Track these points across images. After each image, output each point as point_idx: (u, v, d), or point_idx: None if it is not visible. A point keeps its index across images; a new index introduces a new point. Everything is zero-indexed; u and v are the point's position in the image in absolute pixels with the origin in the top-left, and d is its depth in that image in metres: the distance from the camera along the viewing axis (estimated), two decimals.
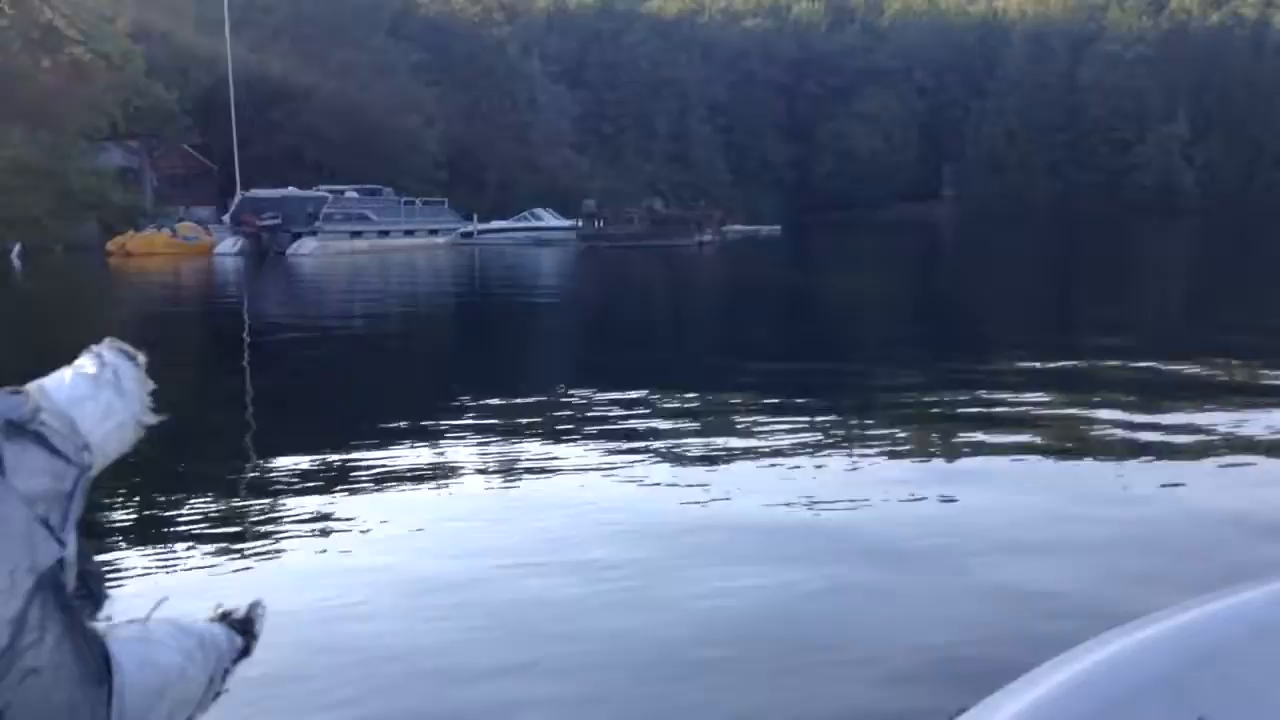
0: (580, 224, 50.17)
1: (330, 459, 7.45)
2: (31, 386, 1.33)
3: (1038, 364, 12.08)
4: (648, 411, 9.17)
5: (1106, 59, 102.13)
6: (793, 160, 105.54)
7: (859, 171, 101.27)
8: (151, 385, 1.43)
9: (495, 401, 9.91)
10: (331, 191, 45.03)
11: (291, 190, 44.91)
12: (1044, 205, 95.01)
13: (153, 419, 1.42)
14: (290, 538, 5.70)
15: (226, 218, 43.46)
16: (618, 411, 9.15)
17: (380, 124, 73.45)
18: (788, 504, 6.08)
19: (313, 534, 5.75)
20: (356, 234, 44.62)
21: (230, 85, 48.38)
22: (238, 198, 43.16)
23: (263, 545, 5.57)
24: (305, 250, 40.43)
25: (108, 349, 1.44)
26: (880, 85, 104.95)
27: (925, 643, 4.09)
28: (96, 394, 1.37)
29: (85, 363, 1.41)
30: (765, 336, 16.77)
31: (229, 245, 40.86)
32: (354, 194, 47.36)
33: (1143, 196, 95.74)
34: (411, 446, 7.87)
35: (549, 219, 55.87)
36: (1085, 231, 58.82)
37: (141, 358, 1.45)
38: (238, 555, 5.39)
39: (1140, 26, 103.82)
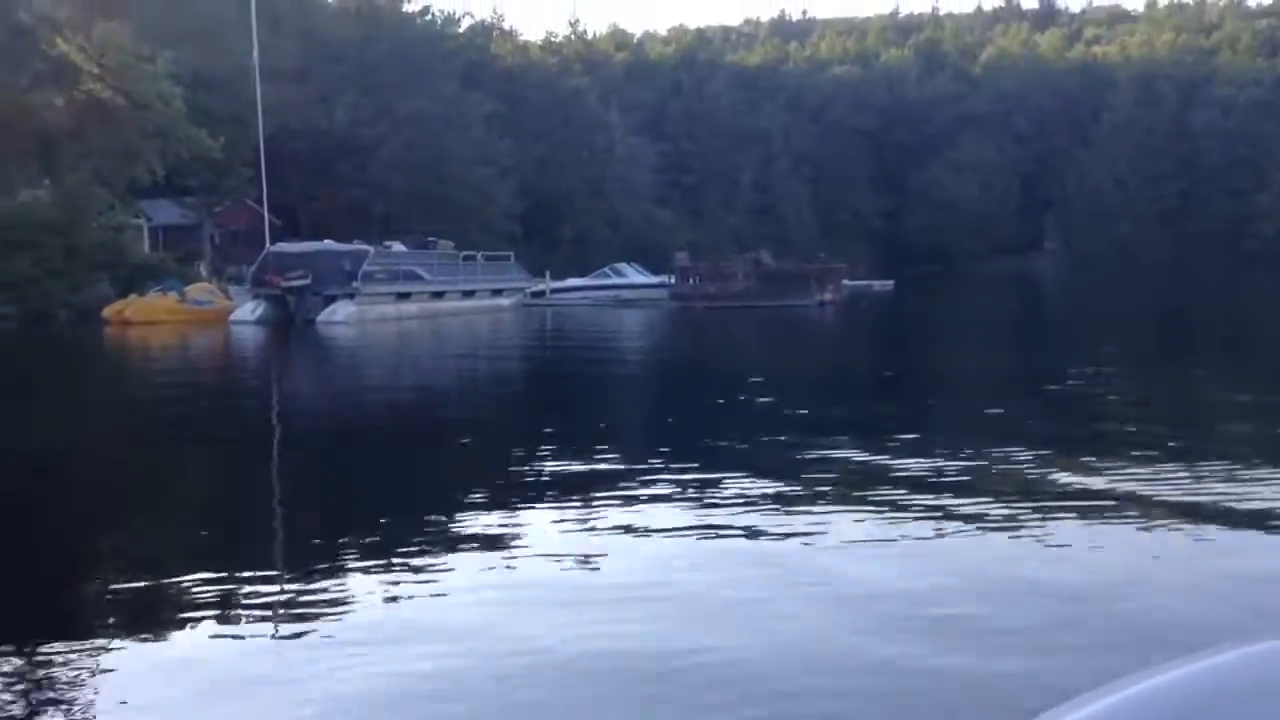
0: (673, 280, 40.60)
1: None
2: None
3: None
4: None
5: (1219, 103, 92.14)
6: (884, 211, 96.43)
7: (955, 222, 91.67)
8: None
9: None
10: (375, 244, 36.04)
11: (326, 244, 36.17)
12: (1154, 257, 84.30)
13: None
14: None
15: (247, 277, 34.80)
16: None
17: (452, 176, 67.93)
18: None
19: None
20: (404, 296, 35.47)
21: (260, 127, 40.21)
22: (262, 254, 34.39)
23: None
24: (340, 317, 31.50)
25: None
26: (976, 133, 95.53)
27: None
28: None
29: None
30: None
31: (247, 311, 32.14)
32: (401, 247, 38.27)
33: (1263, 248, 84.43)
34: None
35: (634, 275, 46.53)
36: (1209, 284, 48.83)
37: None
38: None
39: (1254, 68, 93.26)
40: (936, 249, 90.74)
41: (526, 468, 9.71)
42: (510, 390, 17.43)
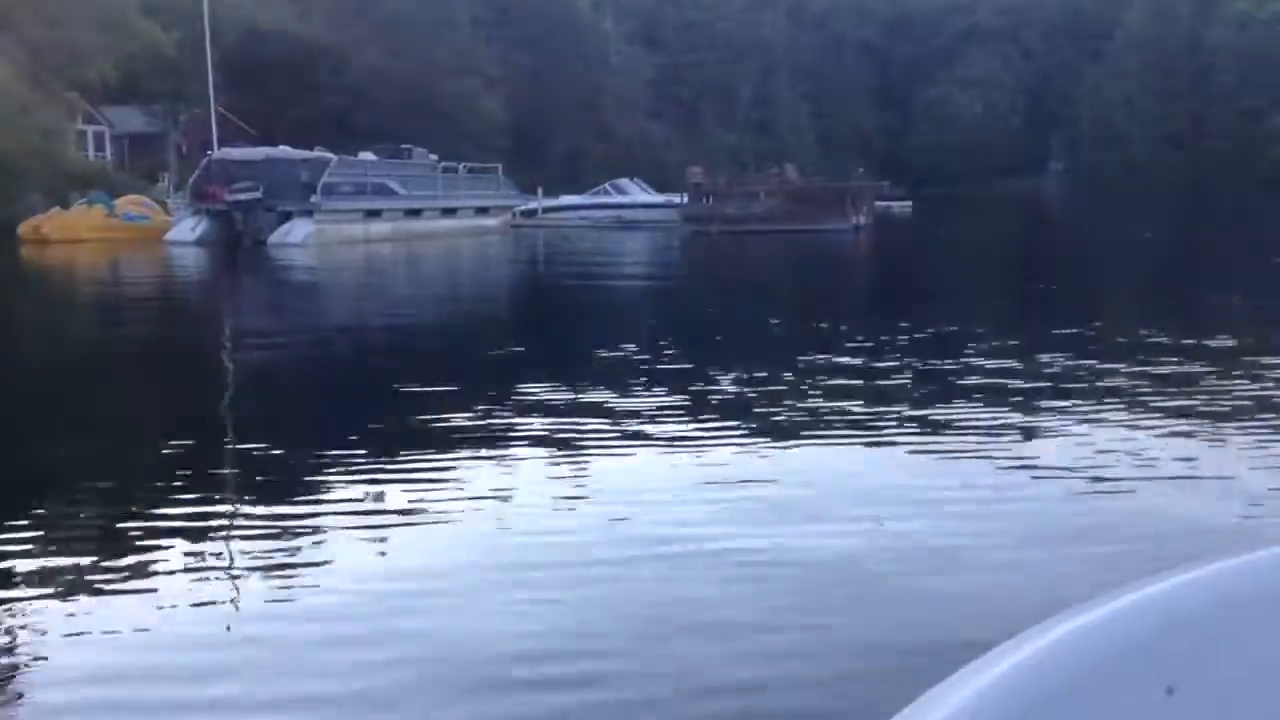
0: (684, 200, 34.47)
1: None
2: None
3: None
4: None
5: (1236, 20, 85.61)
6: (886, 129, 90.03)
7: (959, 142, 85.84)
8: None
9: None
10: (337, 153, 29.84)
11: (281, 150, 30.03)
12: (1163, 180, 78.60)
13: None
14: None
15: (183, 190, 28.77)
16: None
17: (436, 85, 62.06)
18: None
19: None
20: (373, 214, 29.23)
21: (206, 23, 33.89)
22: (203, 161, 28.26)
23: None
24: (295, 238, 25.47)
25: None
26: (983, 47, 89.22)
27: None
28: None
29: None
30: None
31: (186, 229, 26.10)
32: (371, 156, 31.94)
33: (1276, 172, 78.70)
34: None
35: (638, 193, 40.40)
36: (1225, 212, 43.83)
37: None
38: None
39: None
40: (939, 168, 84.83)
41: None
42: (499, 337, 12.81)
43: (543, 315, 16.03)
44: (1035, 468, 5.87)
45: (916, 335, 11.19)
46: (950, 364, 9.32)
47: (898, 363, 9.51)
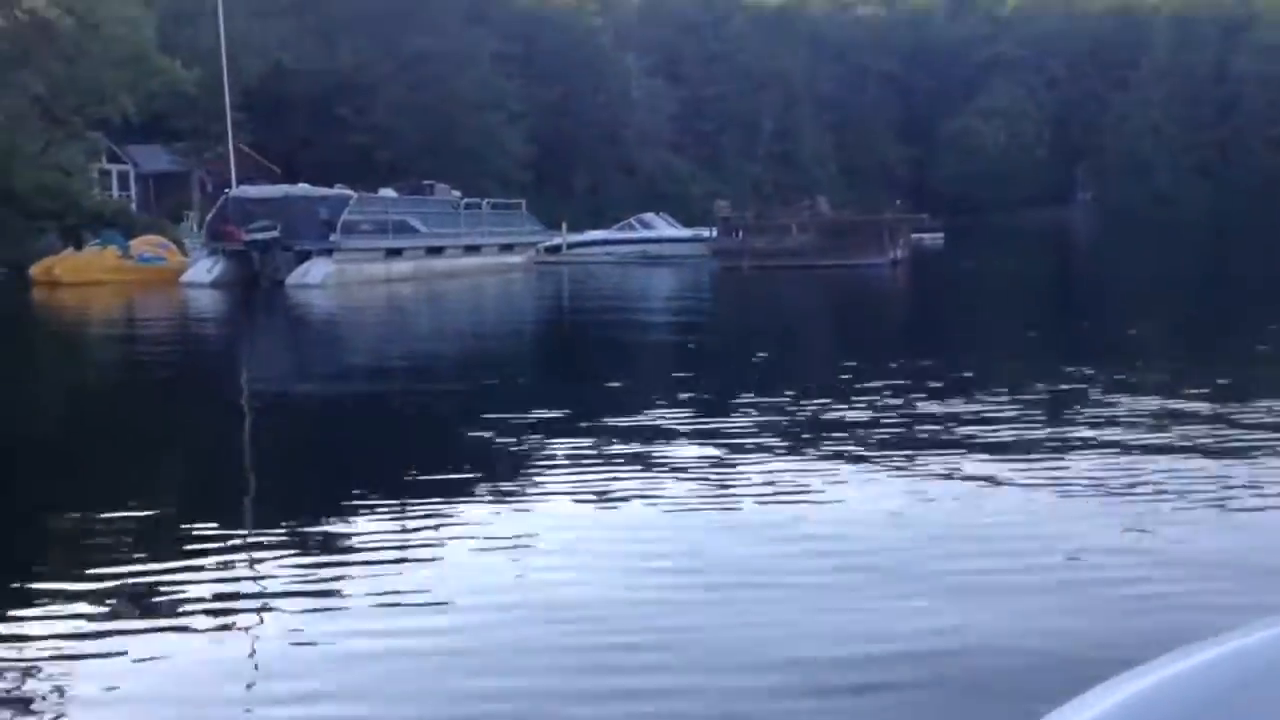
0: (713, 234, 33.23)
1: None
2: None
3: None
4: None
5: (1261, 48, 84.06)
6: (910, 159, 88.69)
7: (984, 172, 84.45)
8: None
9: None
10: (358, 190, 28.78)
11: (300, 188, 29.06)
12: (1193, 209, 77.00)
13: None
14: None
15: (201, 228, 27.79)
16: None
17: (460, 121, 61.63)
18: None
19: None
20: (394, 252, 28.11)
21: (223, 60, 33.09)
22: (220, 200, 27.30)
23: None
24: (314, 278, 24.38)
25: None
26: (1006, 78, 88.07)
27: None
28: None
29: None
30: None
31: (202, 270, 24.98)
32: (391, 193, 30.91)
33: None
34: None
35: (664, 228, 39.22)
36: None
37: None
38: None
39: None
40: (964, 199, 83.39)
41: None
42: (524, 382, 12.21)
43: (571, 355, 14.94)
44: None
45: (979, 376, 10.03)
46: (1029, 404, 8.23)
47: (968, 404, 8.37)
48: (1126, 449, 6.98)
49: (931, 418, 8.41)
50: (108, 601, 4.65)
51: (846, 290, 24.45)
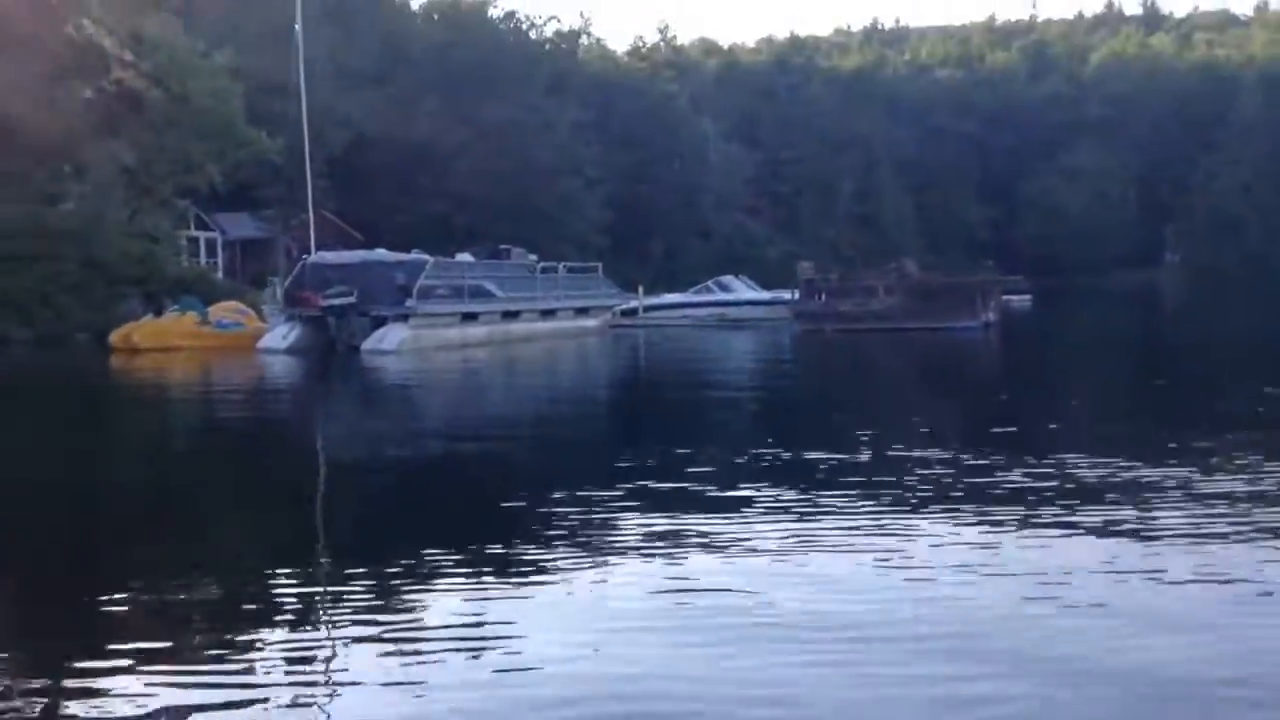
0: (795, 297, 32.14)
1: None
2: None
3: None
4: None
5: None
6: (990, 220, 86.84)
7: (1069, 233, 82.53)
8: None
9: None
10: (434, 255, 28.37)
11: (378, 254, 28.79)
12: None
13: None
14: None
15: (278, 293, 27.58)
16: None
17: (537, 187, 61.56)
18: None
19: None
20: (470, 316, 27.58)
21: (304, 124, 33.19)
22: (297, 265, 27.08)
23: None
24: (389, 344, 23.89)
25: None
26: (1089, 138, 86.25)
27: None
28: None
29: None
30: None
31: (278, 337, 24.64)
32: (469, 257, 30.49)
33: None
34: None
35: (743, 290, 38.25)
36: None
37: None
38: None
39: None
40: (1047, 261, 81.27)
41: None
42: (598, 449, 11.39)
43: (647, 421, 14.07)
44: None
45: (1109, 440, 8.92)
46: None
47: (1101, 470, 7.27)
48: None
49: (1067, 489, 7.37)
50: (189, 666, 4.69)
51: (939, 354, 23.23)
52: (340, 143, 56.98)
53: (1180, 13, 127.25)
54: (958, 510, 7.14)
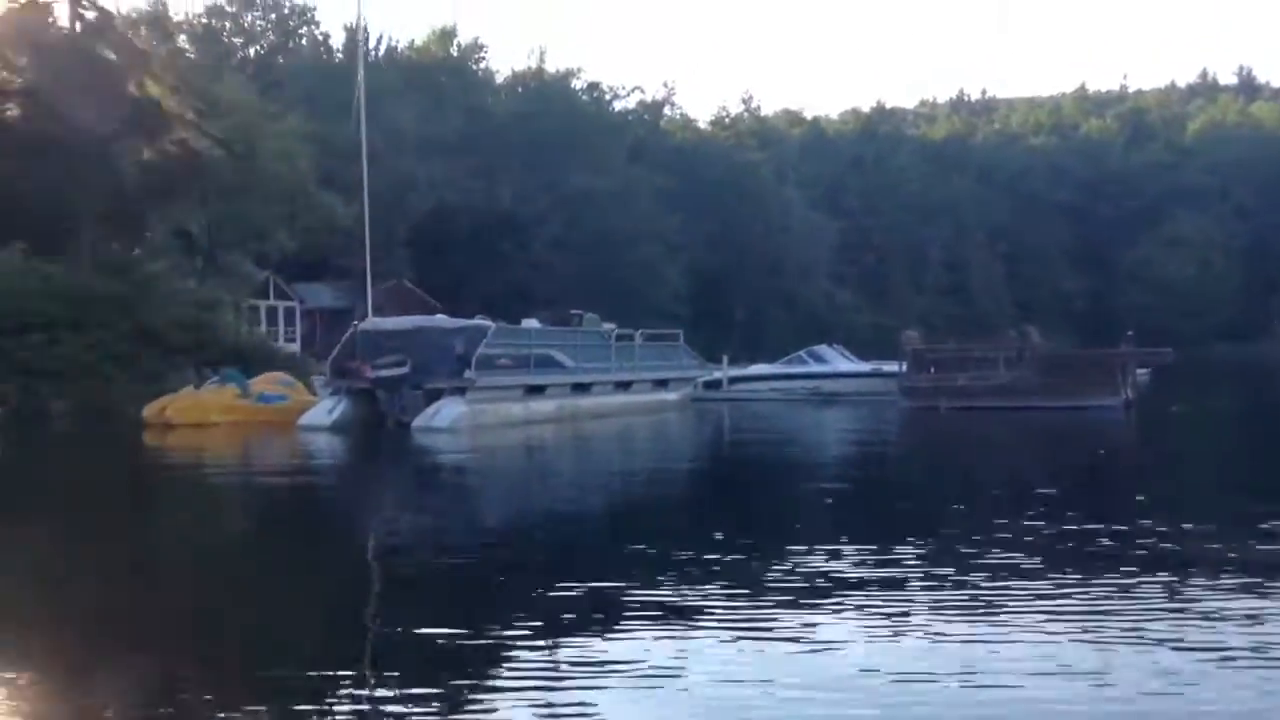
0: (901, 369, 28.26)
1: None
2: None
3: None
4: None
5: None
6: (1088, 291, 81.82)
7: (1172, 304, 77.30)
8: None
9: None
10: (497, 319, 25.21)
11: (436, 320, 25.75)
12: None
13: None
14: None
15: (325, 364, 24.59)
16: None
17: (617, 254, 59.39)
18: None
19: None
20: (535, 389, 23.95)
21: (365, 197, 30.69)
22: (347, 333, 24.13)
23: None
24: (443, 421, 20.41)
25: None
26: (1191, 207, 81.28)
27: None
28: None
29: None
30: None
31: (322, 412, 21.45)
32: (534, 323, 27.15)
33: None
34: None
35: (839, 361, 34.38)
36: None
37: None
38: None
39: None
40: (1147, 332, 75.80)
41: None
42: (678, 544, 8.64)
43: (735, 515, 10.67)
44: None
45: None
46: None
47: None
48: None
49: None
50: None
51: (1082, 438, 19.33)
52: (422, 210, 55.36)
53: (1277, 82, 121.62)
54: None
